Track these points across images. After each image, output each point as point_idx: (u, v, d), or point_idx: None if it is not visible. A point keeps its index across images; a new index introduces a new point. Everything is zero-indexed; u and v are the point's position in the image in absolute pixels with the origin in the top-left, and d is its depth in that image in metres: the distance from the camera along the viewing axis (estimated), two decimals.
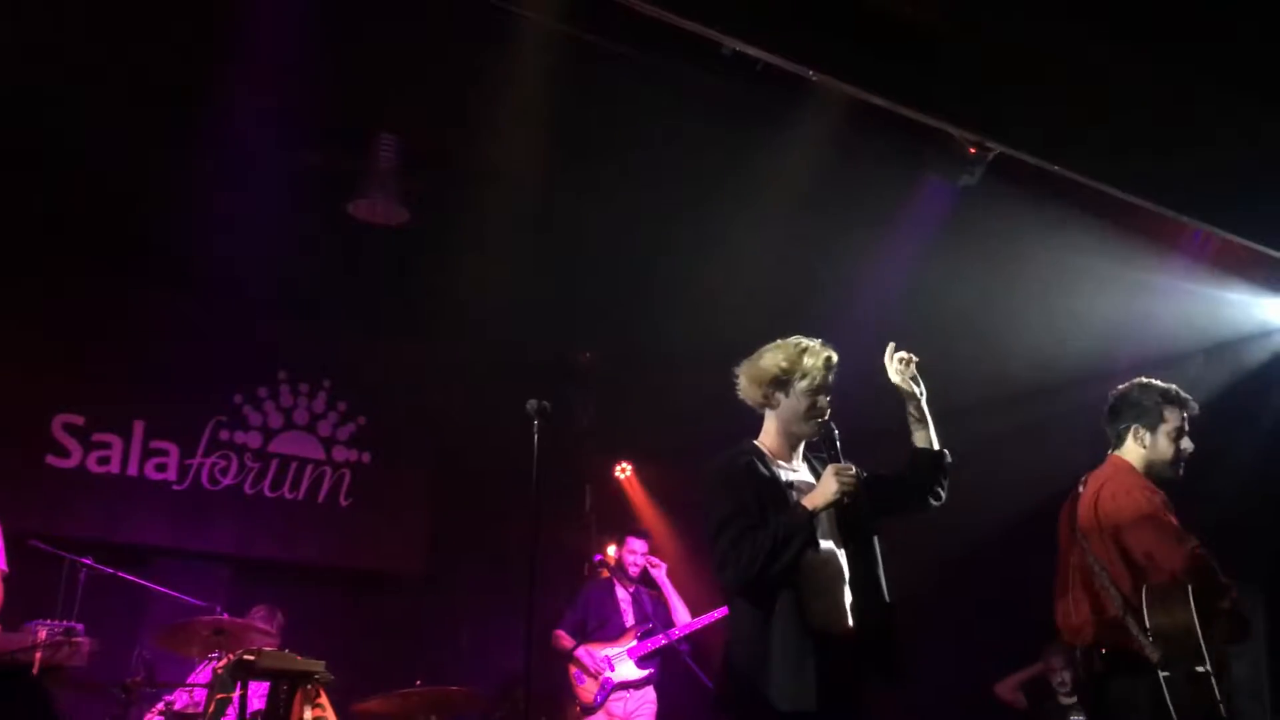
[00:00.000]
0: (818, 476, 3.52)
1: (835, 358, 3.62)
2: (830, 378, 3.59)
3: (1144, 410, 4.11)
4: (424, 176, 6.27)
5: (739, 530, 3.37)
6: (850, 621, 3.40)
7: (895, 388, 3.70)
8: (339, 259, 6.90)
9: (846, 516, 3.50)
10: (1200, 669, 3.69)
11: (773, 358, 3.60)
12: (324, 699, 5.45)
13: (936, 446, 3.67)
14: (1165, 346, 6.55)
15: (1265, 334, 6.72)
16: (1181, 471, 4.09)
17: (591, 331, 7.60)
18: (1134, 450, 4.10)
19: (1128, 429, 4.12)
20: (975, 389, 6.34)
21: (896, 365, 3.70)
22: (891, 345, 3.72)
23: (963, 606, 7.50)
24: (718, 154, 5.53)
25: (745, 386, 3.65)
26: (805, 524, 3.33)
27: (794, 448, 3.63)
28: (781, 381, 3.58)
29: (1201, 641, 3.70)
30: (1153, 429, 4.08)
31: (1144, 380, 4.19)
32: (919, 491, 3.68)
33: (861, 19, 4.75)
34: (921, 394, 3.69)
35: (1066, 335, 6.58)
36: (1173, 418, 4.07)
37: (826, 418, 3.59)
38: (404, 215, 6.40)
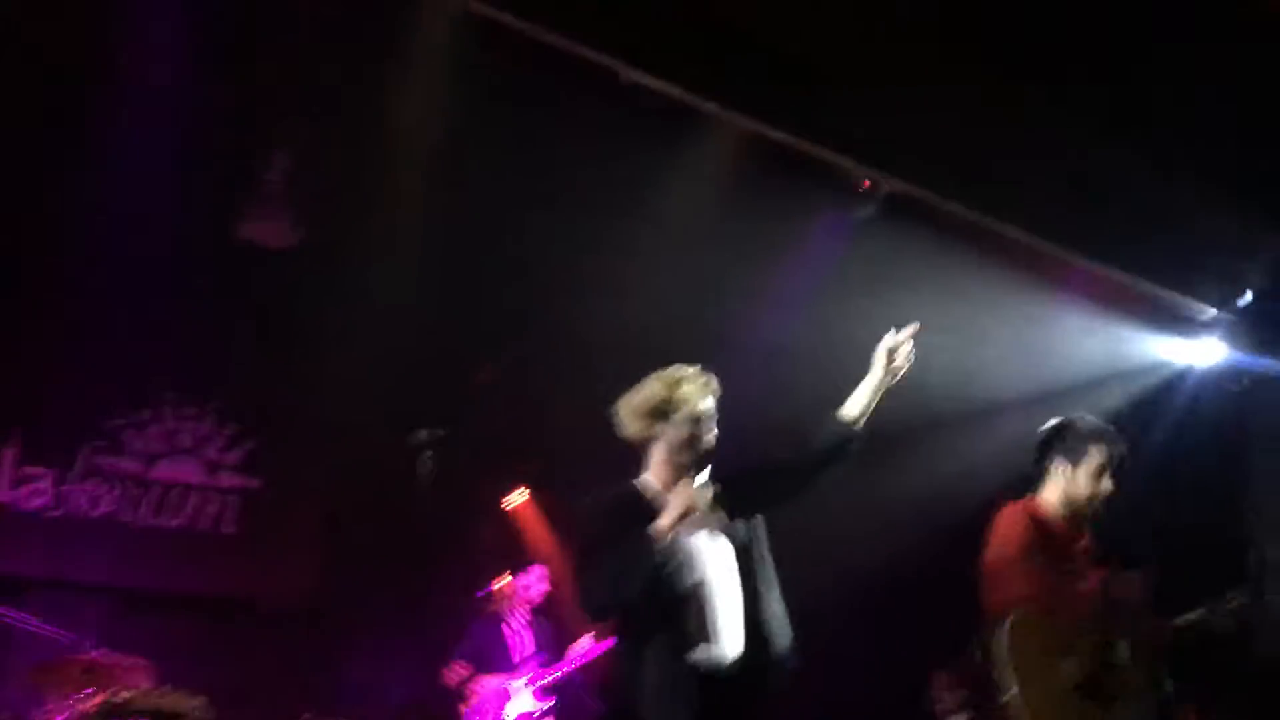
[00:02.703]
0: (713, 511, 3.51)
1: (715, 383, 3.59)
2: (711, 404, 3.56)
3: (1066, 447, 4.15)
4: (316, 196, 6.14)
5: (590, 561, 3.36)
6: (732, 653, 3.36)
7: (873, 361, 3.60)
8: (230, 278, 6.73)
9: (732, 537, 3.47)
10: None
11: (650, 389, 3.56)
12: None
13: (859, 423, 3.59)
14: (1053, 381, 6.69)
15: (1150, 369, 6.91)
16: (1099, 509, 4.11)
17: (488, 358, 7.51)
18: (1054, 486, 4.14)
19: (1049, 466, 4.16)
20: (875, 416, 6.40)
21: (903, 349, 3.61)
22: (909, 330, 3.64)
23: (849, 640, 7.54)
24: (614, 183, 5.51)
25: (626, 422, 3.58)
26: (649, 549, 3.26)
27: (680, 479, 3.53)
28: (661, 412, 3.53)
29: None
30: (1075, 464, 4.11)
31: (1069, 417, 4.25)
32: (811, 459, 3.60)
33: (757, 54, 4.79)
34: (887, 383, 3.61)
35: (967, 368, 6.68)
36: (1096, 454, 4.10)
37: (710, 446, 3.55)
38: (295, 237, 6.26)
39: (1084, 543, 4.21)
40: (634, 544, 3.29)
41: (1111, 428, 4.24)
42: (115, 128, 5.31)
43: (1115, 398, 6.70)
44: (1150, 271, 6.21)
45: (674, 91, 4.81)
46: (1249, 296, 6.49)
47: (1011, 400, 6.84)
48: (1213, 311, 6.52)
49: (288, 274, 6.63)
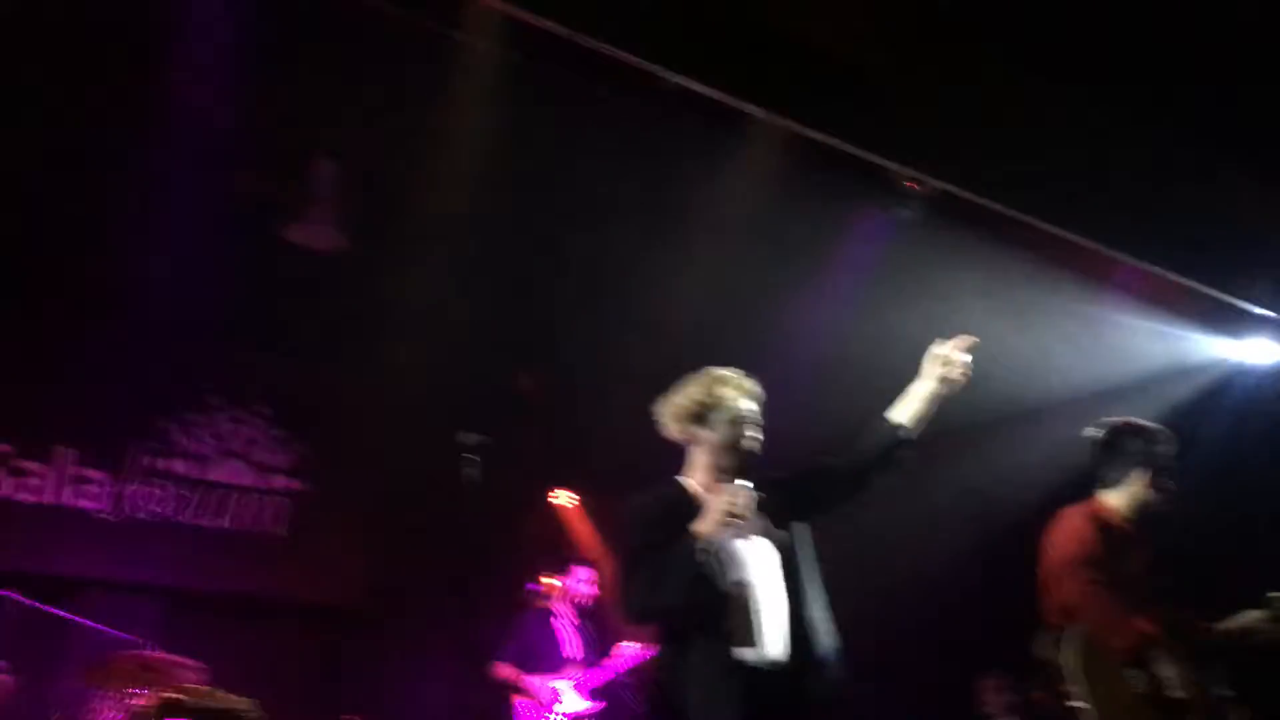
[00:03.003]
0: (761, 515, 3.50)
1: (755, 386, 3.59)
2: (750, 407, 3.55)
3: (1134, 449, 4.25)
4: (363, 201, 6.20)
5: (632, 565, 3.35)
6: (776, 655, 3.33)
7: (937, 369, 3.53)
8: (276, 284, 6.80)
9: (775, 541, 3.45)
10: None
11: (688, 392, 3.57)
12: None
13: (911, 428, 3.51)
14: (1104, 382, 6.63)
15: (1204, 368, 6.83)
16: (1166, 506, 4.22)
17: (535, 361, 7.55)
18: (1128, 490, 4.23)
19: (1122, 470, 4.24)
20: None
21: (956, 359, 3.52)
22: (963, 342, 3.57)
23: (899, 644, 7.50)
24: (657, 186, 5.52)
25: (667, 424, 3.60)
26: (690, 552, 3.25)
27: (722, 482, 3.53)
28: (699, 415, 3.53)
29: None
30: (1141, 466, 4.22)
31: (1133, 420, 4.37)
32: (859, 465, 3.54)
33: (802, 56, 4.78)
34: (942, 393, 3.53)
35: (1019, 369, 6.63)
36: (1161, 457, 4.23)
37: (752, 448, 3.54)
38: (341, 240, 6.32)
39: (1147, 547, 4.21)
40: (675, 547, 3.28)
41: (1165, 429, 4.31)
42: (164, 130, 5.37)
43: (1168, 397, 6.63)
44: (1202, 271, 6.12)
45: (716, 94, 4.80)
46: None
47: (1064, 401, 6.79)
48: (1266, 311, 6.42)
49: (335, 278, 6.69)
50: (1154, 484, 4.21)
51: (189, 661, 5.60)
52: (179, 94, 5.07)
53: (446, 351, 6.84)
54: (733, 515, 3.27)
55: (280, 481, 7.52)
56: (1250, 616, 4.04)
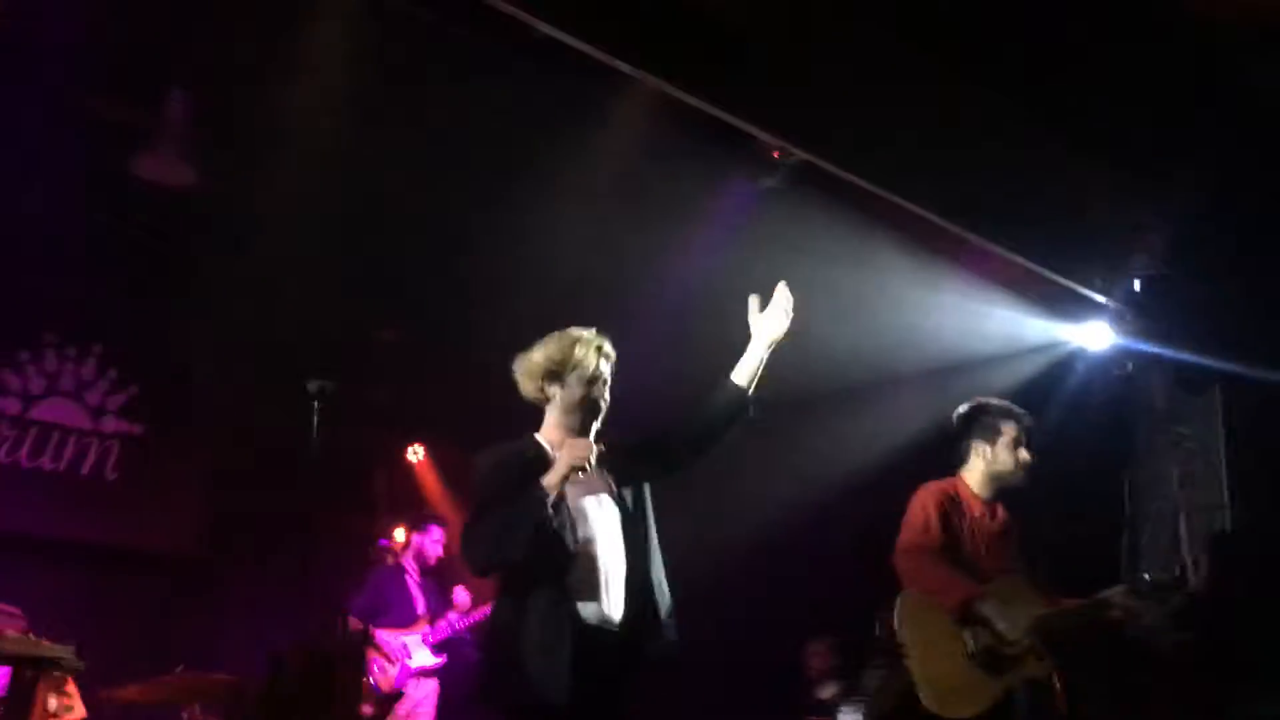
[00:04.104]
0: (604, 475, 3.52)
1: (608, 346, 3.62)
2: (603, 366, 3.59)
3: (982, 426, 4.45)
4: (214, 137, 5.94)
5: (479, 517, 3.37)
6: (615, 614, 3.38)
7: (762, 326, 3.57)
8: (118, 218, 6.48)
9: (619, 502, 3.51)
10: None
11: (543, 351, 3.60)
12: (71, 687, 5.13)
13: (748, 388, 3.57)
14: (949, 357, 6.82)
15: (1042, 350, 7.09)
16: (1024, 477, 4.43)
17: (388, 310, 7.38)
18: (977, 465, 4.44)
19: (969, 446, 4.47)
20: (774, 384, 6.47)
21: (776, 313, 3.57)
22: (778, 295, 3.60)
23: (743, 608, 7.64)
24: (526, 137, 5.43)
25: (521, 382, 3.63)
26: (537, 504, 3.26)
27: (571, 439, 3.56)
28: (554, 374, 3.58)
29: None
30: (992, 443, 4.40)
31: (980, 400, 4.58)
32: (703, 425, 3.60)
33: (674, 15, 4.76)
34: (768, 347, 3.58)
35: (865, 340, 6.77)
36: (1009, 430, 4.42)
37: (602, 408, 3.58)
38: (190, 176, 6.05)
39: (1001, 518, 4.38)
40: (522, 499, 3.29)
41: (1009, 404, 4.54)
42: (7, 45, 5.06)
43: (1008, 377, 6.86)
44: (1043, 255, 6.35)
45: (589, 49, 4.74)
46: (1136, 284, 6.69)
47: (907, 374, 6.98)
48: (1100, 297, 6.70)
49: (181, 216, 6.42)
50: (1010, 457, 4.39)
51: (6, 607, 5.34)
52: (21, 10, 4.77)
53: (296, 297, 6.64)
54: (577, 467, 3.29)
55: (112, 424, 7.20)
56: (1111, 592, 4.19)
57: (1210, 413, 6.56)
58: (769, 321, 3.57)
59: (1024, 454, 4.41)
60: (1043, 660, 4.06)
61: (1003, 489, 4.44)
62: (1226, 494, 6.36)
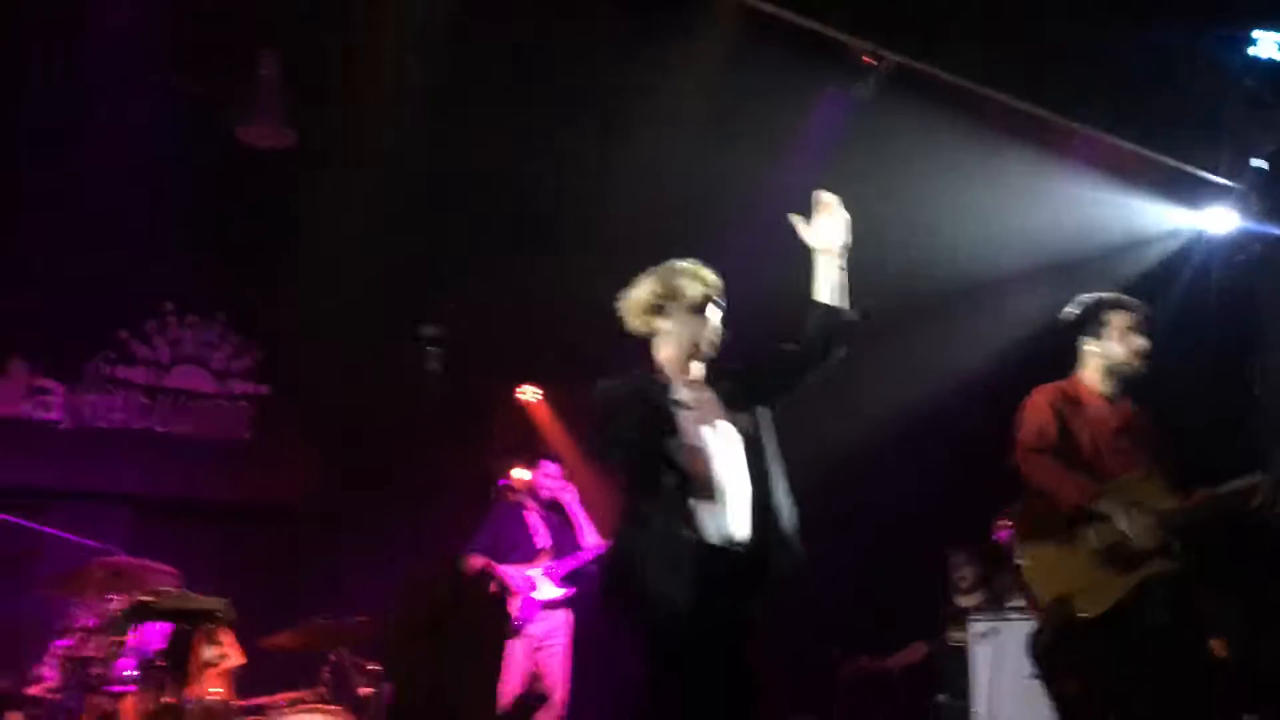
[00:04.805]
0: (725, 404, 3.53)
1: (713, 276, 3.60)
2: (710, 295, 3.57)
3: (1090, 321, 4.34)
4: (311, 97, 6.02)
5: (605, 423, 3.45)
6: (739, 534, 3.39)
7: (817, 239, 3.51)
8: (227, 183, 6.64)
9: (738, 428, 3.50)
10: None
11: (647, 285, 3.59)
12: (227, 637, 5.36)
13: (836, 302, 3.52)
14: (1067, 251, 6.64)
15: (1162, 238, 6.86)
16: (1141, 365, 4.29)
17: (493, 257, 7.43)
18: (1091, 361, 4.33)
19: (1081, 343, 4.36)
20: (882, 299, 6.38)
21: (825, 213, 3.51)
22: (824, 203, 3.53)
23: (871, 516, 7.61)
24: (609, 68, 5.39)
25: (628, 319, 3.62)
26: (661, 417, 3.35)
27: (686, 371, 3.59)
28: (658, 307, 3.57)
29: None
30: (1099, 336, 4.30)
31: (1084, 295, 4.45)
32: (804, 354, 3.55)
33: None
34: (842, 247, 3.51)
35: (975, 241, 6.63)
36: (1116, 320, 4.30)
37: (712, 338, 3.57)
38: (290, 137, 6.16)
39: (1125, 414, 4.27)
40: (648, 410, 3.36)
41: (1114, 294, 4.41)
42: (102, 35, 5.19)
43: (1128, 267, 6.66)
44: (1159, 140, 6.10)
45: None
46: (1260, 164, 6.39)
47: (1026, 271, 6.80)
48: (1223, 180, 6.42)
49: (284, 176, 6.54)
50: (1123, 348, 4.26)
51: (160, 565, 5.59)
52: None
53: (402, 247, 6.73)
54: (700, 401, 3.33)
55: (238, 385, 7.44)
56: (1244, 481, 4.05)
57: None
58: (823, 232, 3.50)
59: (1138, 341, 4.27)
60: (1172, 557, 3.97)
61: (1125, 381, 4.31)
62: None
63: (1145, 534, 3.92)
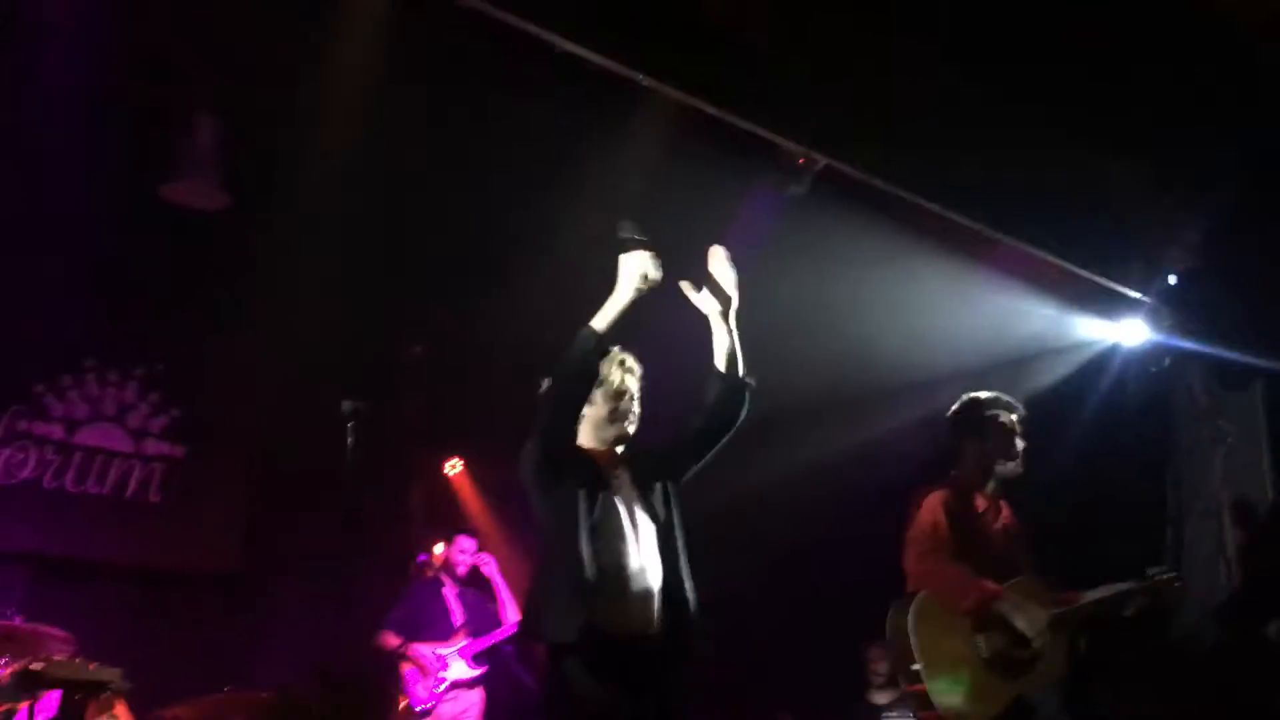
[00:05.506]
0: (634, 484, 3.55)
1: (631, 360, 3.69)
2: (629, 381, 3.65)
3: (971, 422, 4.42)
4: (246, 163, 6.01)
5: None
6: (648, 623, 3.41)
7: (707, 302, 3.68)
8: (155, 245, 6.56)
9: (649, 511, 3.55)
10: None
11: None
12: (120, 708, 5.18)
13: (741, 370, 3.66)
14: (984, 357, 6.78)
15: (1077, 348, 7.05)
16: (1020, 468, 4.38)
17: (421, 327, 7.43)
18: (973, 462, 4.39)
19: (963, 445, 4.43)
20: (803, 393, 6.47)
21: (713, 269, 3.68)
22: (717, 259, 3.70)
23: (784, 607, 7.62)
24: (546, 153, 5.46)
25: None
26: (582, 339, 3.42)
27: (611, 454, 3.66)
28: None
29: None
30: (983, 437, 4.37)
31: (970, 394, 4.52)
32: (720, 421, 3.66)
33: (692, 28, 4.78)
34: (731, 303, 3.66)
35: (894, 343, 6.75)
36: (999, 422, 4.38)
37: (628, 423, 3.63)
38: (224, 199, 6.11)
39: (1005, 516, 4.34)
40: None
41: (1007, 396, 4.48)
42: (28, 82, 5.15)
43: (1043, 376, 6.82)
44: (1077, 253, 6.30)
45: (609, 64, 4.77)
46: (1171, 280, 6.63)
47: (942, 376, 6.93)
48: (1137, 294, 6.64)
49: (214, 239, 6.49)
50: (1003, 450, 4.34)
51: (55, 631, 5.42)
52: (44, 45, 4.85)
53: (328, 317, 6.69)
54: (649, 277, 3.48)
55: (154, 446, 7.29)
56: (1121, 587, 4.17)
57: (1252, 407, 6.49)
58: (712, 295, 3.67)
59: (1018, 444, 4.36)
60: (1056, 664, 4.02)
61: (1004, 483, 4.39)
62: (1270, 489, 6.29)
63: (1039, 634, 3.98)
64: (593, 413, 3.61)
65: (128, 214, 6.20)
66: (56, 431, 6.99)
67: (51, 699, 5.00)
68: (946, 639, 4.01)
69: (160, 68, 5.39)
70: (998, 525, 4.32)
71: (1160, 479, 6.76)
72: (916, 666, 3.95)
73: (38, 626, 5.35)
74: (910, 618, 4.01)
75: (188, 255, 6.70)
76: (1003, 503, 4.41)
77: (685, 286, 3.69)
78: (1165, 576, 4.25)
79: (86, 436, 7.08)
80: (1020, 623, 3.99)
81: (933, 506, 4.22)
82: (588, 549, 3.38)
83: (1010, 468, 4.36)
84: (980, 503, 4.33)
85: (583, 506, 3.43)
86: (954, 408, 4.49)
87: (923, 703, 3.95)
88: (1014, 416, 4.40)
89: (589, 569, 3.36)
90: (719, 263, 3.71)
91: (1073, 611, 4.13)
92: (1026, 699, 4.01)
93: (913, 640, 3.98)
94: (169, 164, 5.96)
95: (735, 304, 3.68)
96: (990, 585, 4.04)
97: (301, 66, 5.15)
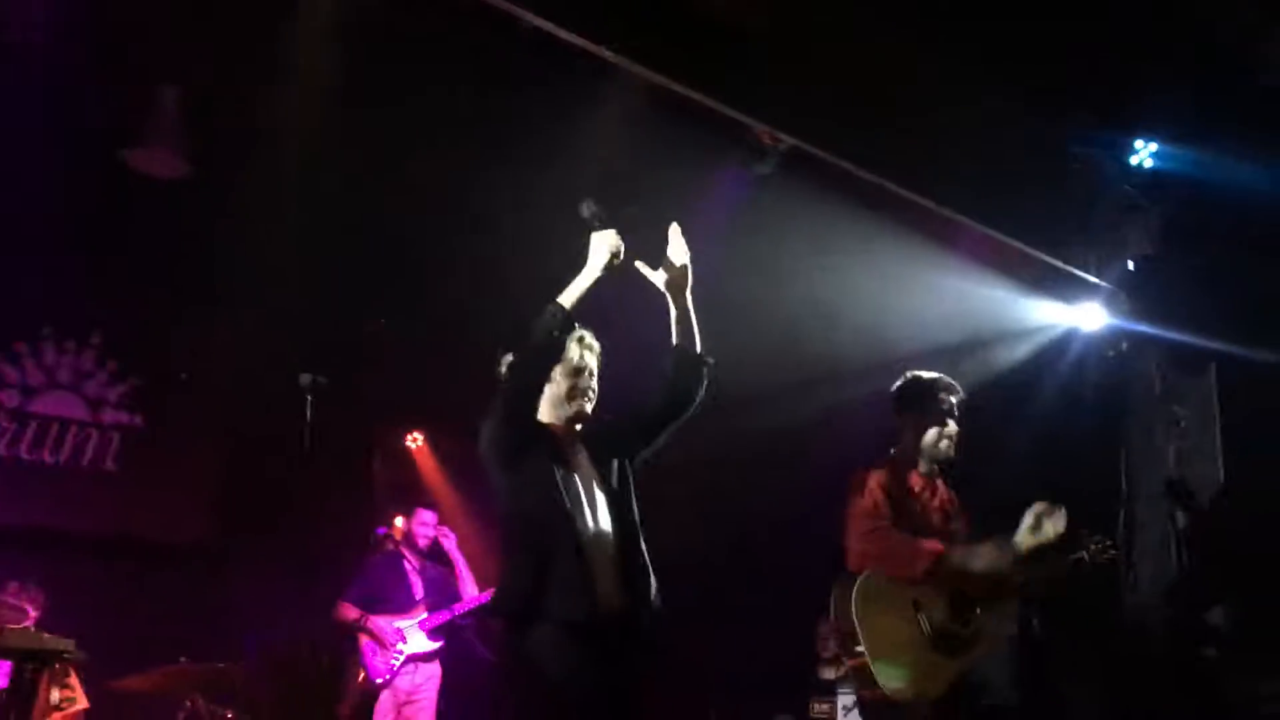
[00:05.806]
0: (593, 461, 3.57)
1: (590, 338, 3.69)
2: (587, 358, 3.66)
3: (910, 401, 4.42)
4: (209, 132, 5.94)
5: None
6: (609, 600, 3.43)
7: (663, 279, 3.70)
8: (116, 213, 6.49)
9: (605, 485, 3.57)
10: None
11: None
12: (74, 679, 5.17)
13: (699, 347, 3.68)
14: (942, 339, 6.83)
15: (1035, 332, 7.11)
16: (952, 451, 4.37)
17: (383, 299, 7.39)
18: (908, 439, 4.39)
19: (901, 422, 4.43)
20: (766, 371, 6.51)
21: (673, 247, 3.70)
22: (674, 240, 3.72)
23: (740, 582, 7.68)
24: (511, 130, 5.44)
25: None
26: (548, 316, 3.42)
27: (570, 431, 3.67)
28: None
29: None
30: (921, 417, 4.37)
31: (912, 373, 4.51)
32: (678, 398, 3.67)
33: (658, 6, 4.76)
34: (688, 283, 3.68)
35: (852, 324, 6.78)
36: (936, 403, 4.37)
37: (590, 398, 3.65)
38: (184, 168, 6.05)
39: (941, 495, 4.38)
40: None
41: (947, 378, 4.47)
42: None
43: (1001, 358, 6.88)
44: (1036, 237, 6.36)
45: (577, 40, 4.75)
46: (1130, 265, 6.70)
47: (902, 357, 6.97)
48: (1095, 279, 6.71)
49: (175, 207, 6.42)
50: (937, 431, 4.35)
51: (10, 600, 5.39)
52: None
53: (289, 287, 6.64)
54: (617, 256, 3.51)
55: (111, 415, 7.22)
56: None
57: (1205, 392, 6.58)
58: (667, 272, 3.69)
59: (951, 426, 4.36)
60: (996, 641, 4.07)
61: (935, 464, 4.40)
62: (1222, 473, 6.39)
63: (1006, 563, 4.01)
64: (552, 390, 3.61)
65: (87, 180, 6.13)
66: (11, 399, 6.92)
67: (1, 669, 4.98)
68: (889, 619, 4.01)
69: (122, 36, 5.30)
70: (935, 503, 4.35)
71: (1115, 462, 6.85)
72: (860, 648, 3.97)
73: None
74: (854, 602, 4.00)
75: (148, 223, 6.62)
76: (939, 481, 4.43)
77: (641, 265, 3.69)
78: (1103, 544, 4.30)
79: (42, 404, 7.02)
80: (979, 561, 4.01)
81: (870, 487, 4.23)
82: (548, 525, 3.39)
83: (944, 447, 4.36)
84: (916, 481, 4.36)
85: (544, 482, 3.44)
86: (896, 384, 4.50)
87: (865, 680, 3.96)
88: (953, 399, 4.40)
89: (550, 545, 3.38)
90: (675, 241, 3.71)
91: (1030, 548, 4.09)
92: (972, 677, 4.04)
93: (857, 625, 3.97)
94: (130, 130, 5.89)
95: (690, 281, 3.68)
96: (934, 544, 4.06)
97: (264, 38, 5.09)
